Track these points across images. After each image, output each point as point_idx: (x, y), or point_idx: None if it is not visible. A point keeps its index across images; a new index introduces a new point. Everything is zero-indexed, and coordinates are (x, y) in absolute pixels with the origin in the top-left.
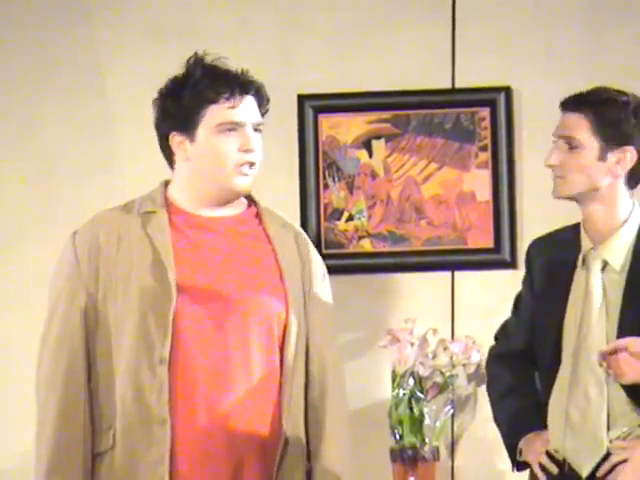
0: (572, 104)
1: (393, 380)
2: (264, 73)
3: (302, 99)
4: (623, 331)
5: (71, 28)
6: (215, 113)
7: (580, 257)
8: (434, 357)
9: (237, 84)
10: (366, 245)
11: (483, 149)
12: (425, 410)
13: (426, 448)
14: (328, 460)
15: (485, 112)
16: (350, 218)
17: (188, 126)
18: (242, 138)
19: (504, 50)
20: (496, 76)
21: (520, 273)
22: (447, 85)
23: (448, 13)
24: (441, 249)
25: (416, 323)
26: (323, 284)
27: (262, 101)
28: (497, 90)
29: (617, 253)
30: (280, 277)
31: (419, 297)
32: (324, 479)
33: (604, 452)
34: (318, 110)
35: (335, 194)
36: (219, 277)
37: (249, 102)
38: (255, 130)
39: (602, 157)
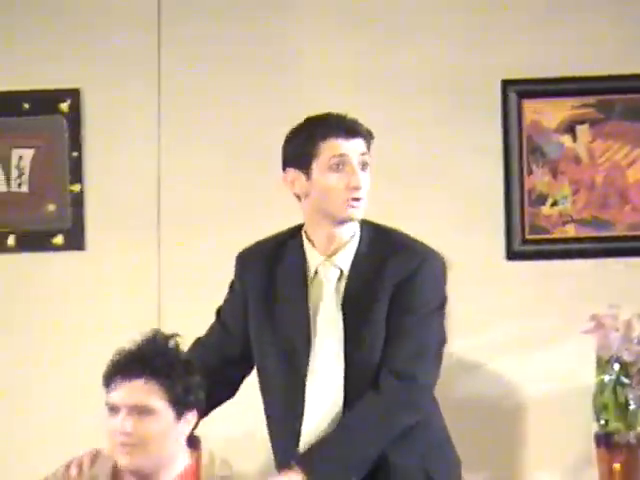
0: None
1: (598, 365)
2: (467, 58)
3: (506, 84)
4: (346, 330)
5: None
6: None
7: (312, 269)
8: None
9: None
10: (570, 230)
11: None
12: (630, 396)
13: (632, 434)
14: None
15: None
16: (554, 203)
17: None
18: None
19: None
20: None
21: None
22: None
23: None
24: None
25: (621, 308)
26: None
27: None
28: None
29: (347, 261)
30: None
31: (624, 282)
32: None
33: None
34: (522, 95)
35: (539, 179)
36: None
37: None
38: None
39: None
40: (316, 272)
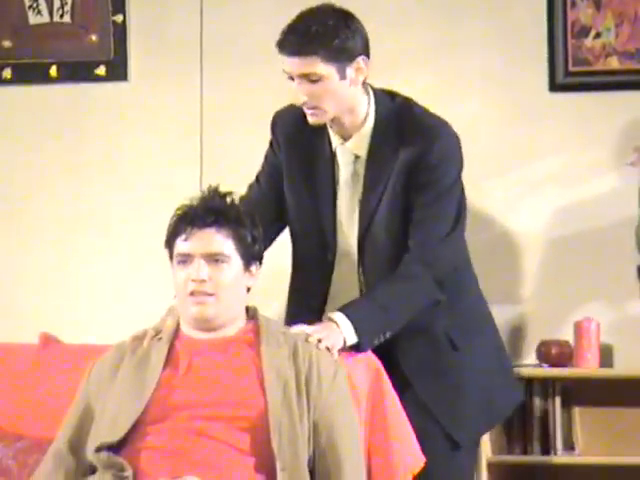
0: (295, 50)
1: None
2: None
3: None
4: (363, 206)
5: None
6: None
7: (333, 150)
8: None
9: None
10: (613, 62)
11: None
12: None
13: None
14: None
15: None
16: (597, 35)
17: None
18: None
19: None
20: None
21: None
22: None
23: None
24: None
25: None
26: (334, 383)
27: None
28: None
29: (363, 146)
30: (262, 389)
31: None
32: None
33: None
34: None
35: (582, 11)
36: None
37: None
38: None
39: (343, 76)
40: (335, 154)
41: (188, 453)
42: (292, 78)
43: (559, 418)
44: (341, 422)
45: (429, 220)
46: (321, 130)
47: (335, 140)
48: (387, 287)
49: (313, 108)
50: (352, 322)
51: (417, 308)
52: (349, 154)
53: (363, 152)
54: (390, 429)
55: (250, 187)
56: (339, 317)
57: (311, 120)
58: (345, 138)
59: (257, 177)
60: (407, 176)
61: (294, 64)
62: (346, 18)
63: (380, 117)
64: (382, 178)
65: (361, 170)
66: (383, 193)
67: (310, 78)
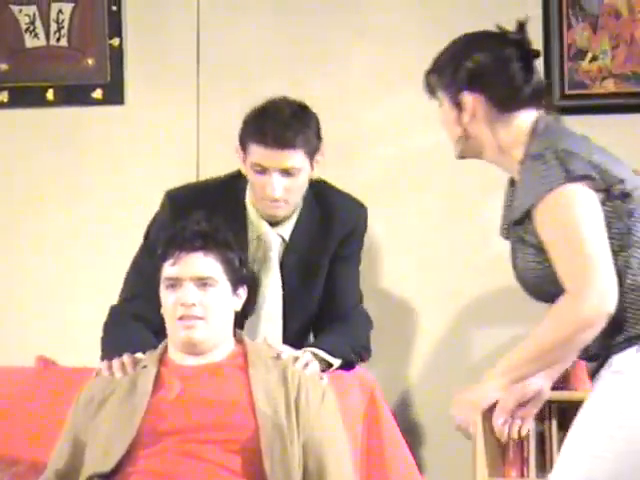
0: (284, 143)
1: None
2: None
3: None
4: (285, 287)
5: None
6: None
7: (256, 234)
8: None
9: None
10: (610, 85)
11: None
12: None
13: None
14: None
15: None
16: (594, 58)
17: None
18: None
19: None
20: None
21: None
22: None
23: None
24: None
25: None
26: (322, 405)
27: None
28: None
29: (289, 229)
30: (252, 412)
31: None
32: None
33: None
34: None
35: (579, 34)
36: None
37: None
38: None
39: (312, 168)
40: (259, 237)
41: (181, 475)
42: (262, 172)
43: (555, 441)
44: (330, 443)
45: (341, 293)
46: (237, 215)
47: (262, 225)
48: (332, 328)
49: (284, 202)
50: (325, 350)
51: (369, 326)
52: (277, 237)
53: (288, 235)
54: (387, 453)
55: (128, 316)
56: (313, 351)
57: (275, 213)
58: (273, 223)
59: (133, 294)
60: (335, 250)
61: (276, 157)
62: (310, 113)
63: (304, 200)
64: (310, 257)
65: (289, 253)
66: (314, 274)
67: (289, 172)
